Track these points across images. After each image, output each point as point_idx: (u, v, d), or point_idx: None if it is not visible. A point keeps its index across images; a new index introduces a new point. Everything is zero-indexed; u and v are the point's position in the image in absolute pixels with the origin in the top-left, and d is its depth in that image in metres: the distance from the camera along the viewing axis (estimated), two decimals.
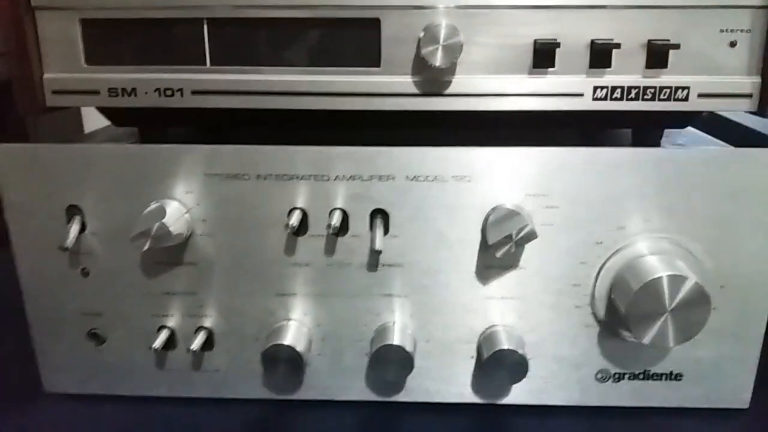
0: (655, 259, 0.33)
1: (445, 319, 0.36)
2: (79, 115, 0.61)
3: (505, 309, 0.36)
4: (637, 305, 0.32)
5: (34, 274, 0.36)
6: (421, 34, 0.32)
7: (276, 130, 0.37)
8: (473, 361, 0.36)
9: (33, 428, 0.37)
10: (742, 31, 0.33)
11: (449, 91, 0.34)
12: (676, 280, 0.32)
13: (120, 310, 0.36)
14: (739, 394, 0.36)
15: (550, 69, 0.33)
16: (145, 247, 0.33)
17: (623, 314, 0.33)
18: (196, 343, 0.36)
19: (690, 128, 0.43)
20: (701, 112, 0.35)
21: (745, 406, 0.37)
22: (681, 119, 0.37)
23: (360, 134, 0.35)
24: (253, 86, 0.34)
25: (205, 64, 0.33)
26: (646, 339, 0.33)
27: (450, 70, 0.33)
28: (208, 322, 0.36)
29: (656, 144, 0.39)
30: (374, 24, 0.33)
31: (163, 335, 0.36)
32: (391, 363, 0.34)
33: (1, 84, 0.56)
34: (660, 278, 0.32)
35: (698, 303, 0.32)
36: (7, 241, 0.36)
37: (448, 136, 0.36)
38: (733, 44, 0.33)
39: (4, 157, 0.34)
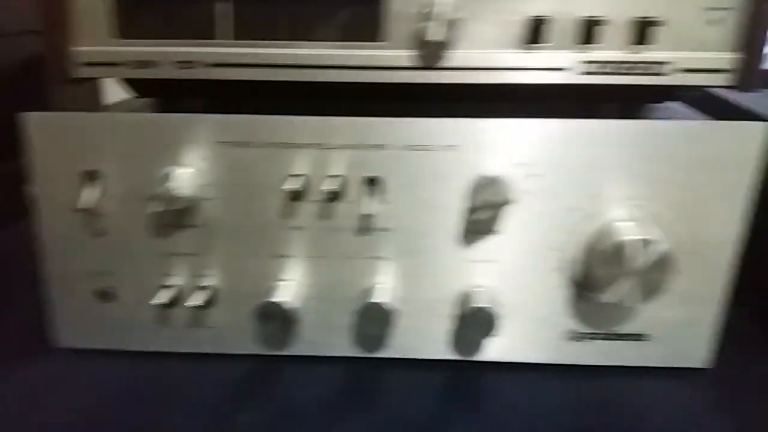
0: (626, 224, 0.36)
1: (428, 281, 0.39)
2: (95, 90, 0.65)
3: (485, 271, 0.38)
4: (606, 266, 0.36)
5: (53, 235, 0.39)
6: (423, 10, 0.35)
7: (281, 101, 0.40)
8: (451, 320, 0.39)
9: (45, 380, 0.39)
10: (725, 9, 0.35)
11: (447, 64, 0.37)
12: (643, 244, 0.35)
13: (129, 270, 0.39)
14: (701, 353, 0.39)
15: (541, 44, 0.36)
16: (159, 209, 0.36)
17: (593, 275, 0.36)
18: (198, 300, 0.38)
19: (679, 105, 0.45)
20: (686, 86, 0.37)
21: (708, 365, 0.40)
22: (667, 93, 0.40)
23: (359, 105, 0.38)
24: (267, 59, 0.37)
25: (217, 38, 0.37)
26: (613, 298, 0.36)
27: (448, 44, 0.36)
28: (209, 282, 0.39)
29: (643, 117, 0.41)
30: (379, 1, 0.36)
31: (167, 293, 0.39)
32: (374, 320, 0.37)
33: (25, 59, 0.58)
34: (627, 241, 0.35)
35: (663, 266, 0.35)
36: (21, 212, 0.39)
37: (440, 108, 0.38)
38: (716, 21, 0.35)
39: (34, 125, 0.37)
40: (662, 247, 0.35)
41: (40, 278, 0.40)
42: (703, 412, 0.38)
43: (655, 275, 0.35)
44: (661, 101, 0.42)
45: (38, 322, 0.41)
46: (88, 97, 0.55)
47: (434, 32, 0.35)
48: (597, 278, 0.36)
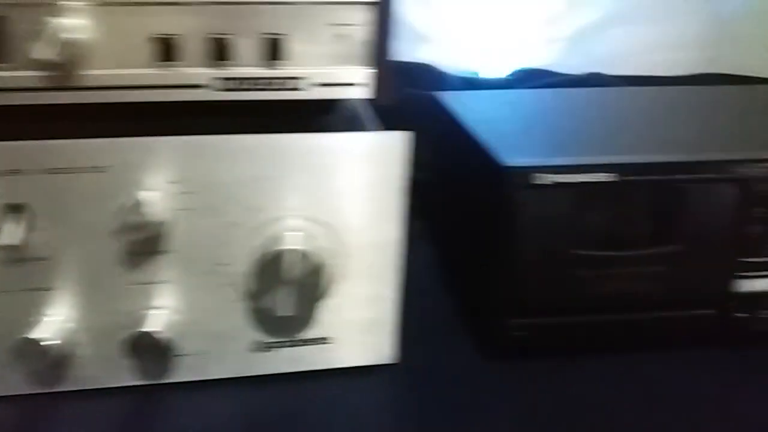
0: (285, 235, 0.36)
1: (99, 308, 0.37)
2: None
3: (155, 293, 0.37)
4: (266, 278, 0.36)
5: None
6: (41, 31, 0.33)
7: None
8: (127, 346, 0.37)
9: None
10: (350, 25, 0.36)
11: (72, 84, 0.35)
12: (296, 254, 0.35)
13: None
14: (386, 351, 0.41)
15: (171, 62, 0.35)
16: None
17: (258, 287, 0.36)
18: None
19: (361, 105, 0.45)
20: (326, 100, 0.37)
21: (394, 360, 0.41)
22: (321, 107, 0.40)
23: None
24: None
25: None
26: (278, 308, 0.36)
27: (76, 64, 0.34)
28: None
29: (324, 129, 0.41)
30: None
31: None
32: (30, 356, 0.35)
33: None
34: (282, 252, 0.35)
35: (316, 273, 0.36)
36: None
37: (94, 128, 0.36)
38: (343, 37, 0.36)
39: None
40: (311, 255, 0.35)
41: None
42: (390, 402, 0.40)
43: (310, 282, 0.36)
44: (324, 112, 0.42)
45: None
46: None
47: (50, 52, 0.33)
48: (260, 289, 0.36)
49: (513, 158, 0.38)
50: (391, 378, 0.41)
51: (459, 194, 0.51)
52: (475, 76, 0.84)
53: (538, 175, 0.37)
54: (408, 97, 0.71)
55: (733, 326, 0.41)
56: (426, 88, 0.70)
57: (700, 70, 0.87)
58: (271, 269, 0.36)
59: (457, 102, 0.53)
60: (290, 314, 0.36)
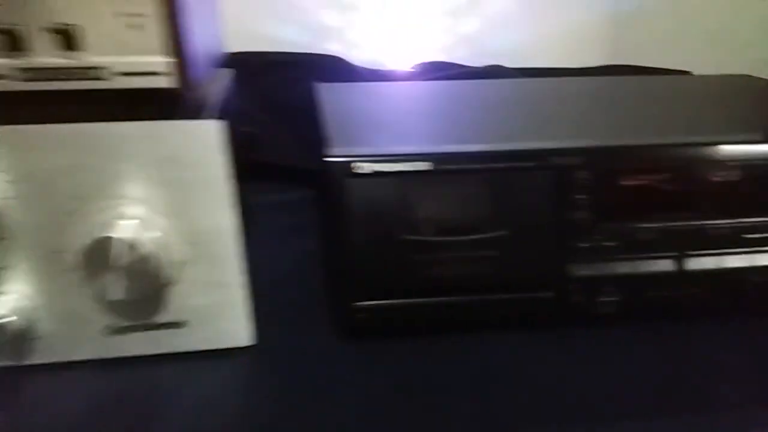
0: (110, 223, 0.37)
1: None
2: None
3: (3, 279, 0.38)
4: (93, 264, 0.36)
5: None
6: None
7: None
8: None
9: None
10: (141, 15, 0.36)
11: None
12: (122, 242, 0.36)
13: None
14: (240, 333, 0.42)
15: None
16: None
17: (90, 273, 0.37)
18: None
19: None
20: (132, 89, 0.38)
21: (249, 342, 0.42)
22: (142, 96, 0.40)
23: None
24: None
25: None
26: (106, 293, 0.37)
27: None
28: None
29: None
30: None
31: None
32: None
33: None
34: (105, 239, 0.36)
35: (145, 260, 0.37)
36: None
37: None
38: (136, 26, 0.36)
39: None
40: (148, 242, 0.36)
41: None
42: (244, 382, 0.41)
43: (136, 269, 0.37)
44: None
45: None
46: None
47: None
48: (93, 276, 0.37)
49: (340, 149, 0.39)
50: (247, 359, 0.42)
51: (318, 186, 0.53)
52: (380, 68, 0.86)
53: (358, 164, 0.38)
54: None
55: (572, 310, 0.42)
56: (334, 80, 0.71)
57: (603, 62, 0.91)
58: (98, 256, 0.36)
59: (331, 94, 0.54)
60: (121, 299, 0.37)
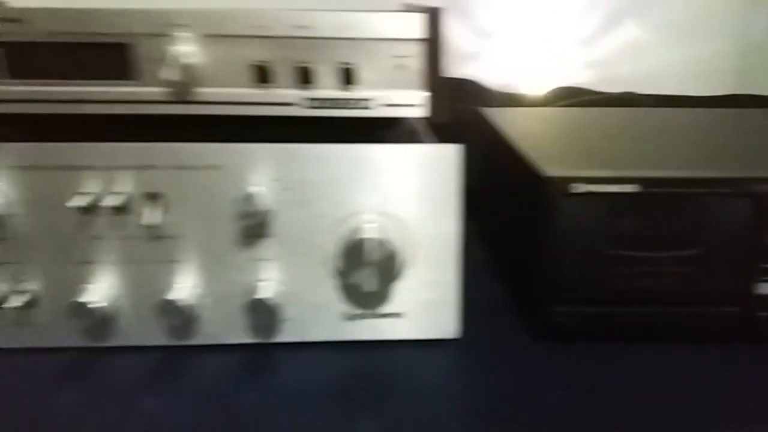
0: (365, 226, 0.44)
1: (220, 278, 0.46)
2: None
3: (265, 268, 0.46)
4: (352, 261, 0.44)
5: None
6: (165, 57, 0.42)
7: (69, 131, 0.46)
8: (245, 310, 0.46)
9: None
10: (409, 57, 0.44)
11: (190, 99, 0.44)
12: (376, 242, 0.43)
13: None
14: (450, 326, 0.48)
15: (267, 84, 0.44)
16: None
17: (345, 268, 0.44)
18: (18, 302, 0.45)
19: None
20: (390, 117, 0.46)
21: (457, 336, 0.48)
22: (386, 123, 0.49)
23: (135, 132, 0.45)
24: (40, 95, 0.44)
25: (6, 77, 0.43)
26: (363, 285, 0.44)
27: (192, 83, 0.44)
28: (29, 286, 0.46)
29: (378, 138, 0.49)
30: (128, 47, 0.43)
31: None
32: (171, 314, 0.45)
33: None
34: (364, 240, 0.43)
35: (391, 258, 0.44)
36: None
37: (210, 134, 0.45)
38: (403, 67, 0.44)
39: None
40: (388, 243, 0.43)
41: None
42: (452, 372, 0.47)
43: (387, 266, 0.44)
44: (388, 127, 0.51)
45: None
46: None
47: (171, 73, 0.42)
48: (347, 269, 0.44)
49: (553, 170, 0.45)
50: (457, 350, 0.48)
51: (506, 200, 0.59)
52: (516, 93, 0.91)
53: (574, 185, 0.44)
54: (457, 112, 0.79)
55: (756, 324, 0.46)
56: (470, 103, 0.77)
57: (730, 91, 0.93)
58: (355, 253, 0.44)
59: (501, 117, 0.60)
60: (374, 290, 0.44)
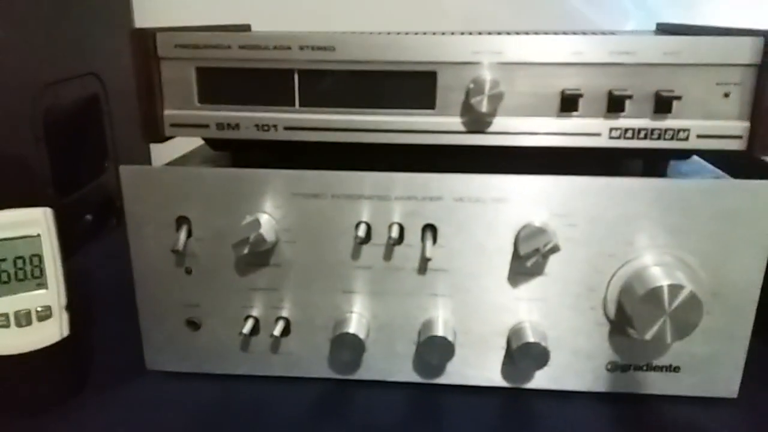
0: (658, 269, 0.40)
1: (481, 316, 0.43)
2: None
3: (531, 308, 0.43)
4: (641, 308, 0.40)
5: (146, 271, 0.44)
6: (471, 86, 0.40)
7: (348, 159, 0.45)
8: (503, 352, 0.44)
9: (137, 400, 0.45)
10: (734, 84, 0.40)
11: (491, 130, 0.41)
12: (675, 288, 0.39)
13: (214, 302, 0.44)
14: (728, 385, 0.43)
15: (574, 113, 0.41)
16: (244, 252, 0.41)
17: (629, 315, 0.40)
18: (277, 330, 0.44)
19: (694, 157, 0.50)
20: (702, 150, 0.42)
21: (734, 395, 0.43)
22: (686, 154, 0.45)
23: (416, 163, 0.43)
24: (334, 124, 0.42)
25: (294, 105, 0.42)
26: (648, 336, 0.40)
27: (492, 113, 0.41)
28: (286, 313, 0.44)
29: (663, 172, 0.46)
30: (432, 75, 0.41)
31: (250, 323, 0.44)
32: (435, 350, 0.42)
33: None
34: (661, 286, 0.39)
35: (692, 307, 0.39)
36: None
37: (488, 165, 0.43)
38: (726, 95, 0.40)
39: (128, 177, 0.43)
40: (690, 290, 0.39)
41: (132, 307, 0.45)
42: None
43: (684, 316, 0.39)
44: (683, 158, 0.47)
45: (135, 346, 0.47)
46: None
47: (479, 104, 0.40)
48: (632, 317, 0.40)
49: None
50: (728, 412, 0.43)
51: None
52: None
53: None
54: None
55: None
56: None
57: None
58: (652, 300, 0.39)
59: None
60: (668, 343, 0.40)
